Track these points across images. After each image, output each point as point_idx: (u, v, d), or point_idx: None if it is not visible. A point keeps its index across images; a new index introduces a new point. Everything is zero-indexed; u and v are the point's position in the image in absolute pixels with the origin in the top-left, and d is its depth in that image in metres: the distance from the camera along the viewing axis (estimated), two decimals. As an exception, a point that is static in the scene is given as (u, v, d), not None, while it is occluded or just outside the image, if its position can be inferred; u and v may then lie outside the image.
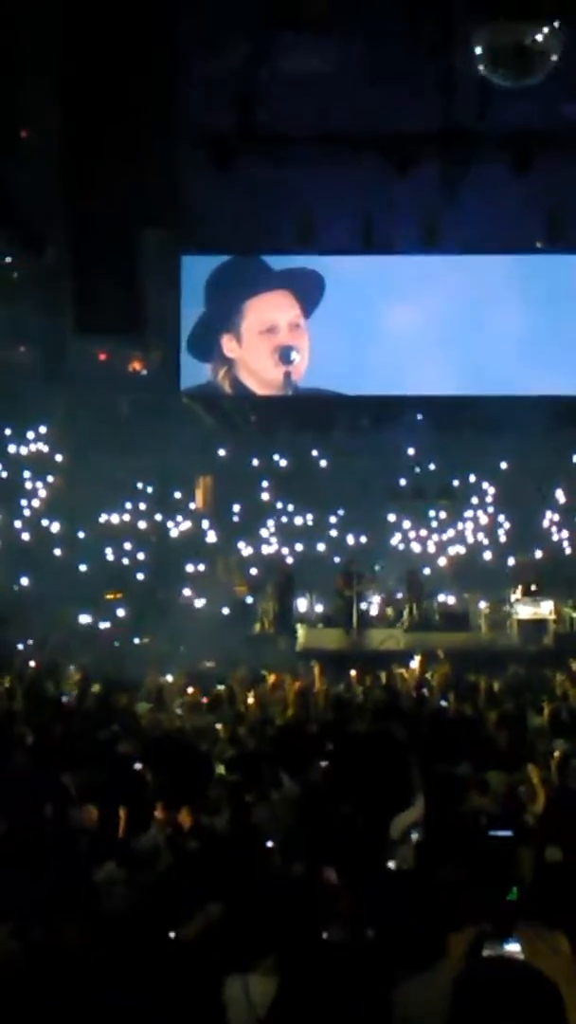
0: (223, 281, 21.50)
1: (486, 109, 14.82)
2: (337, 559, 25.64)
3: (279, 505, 27.82)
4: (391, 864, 6.00)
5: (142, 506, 27.55)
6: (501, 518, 27.70)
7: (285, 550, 27.48)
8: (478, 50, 14.45)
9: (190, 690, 15.43)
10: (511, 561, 26.10)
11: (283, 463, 27.31)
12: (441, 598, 25.29)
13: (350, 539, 27.20)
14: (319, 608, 24.28)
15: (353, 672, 17.74)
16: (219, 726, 12.51)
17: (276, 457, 27.21)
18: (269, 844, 7.07)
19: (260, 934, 4.67)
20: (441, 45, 14.49)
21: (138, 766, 9.12)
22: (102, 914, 5.08)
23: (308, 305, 21.78)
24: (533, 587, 23.28)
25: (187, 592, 25.67)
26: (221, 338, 21.78)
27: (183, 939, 5.05)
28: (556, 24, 14.31)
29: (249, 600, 25.50)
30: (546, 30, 14.25)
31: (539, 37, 14.28)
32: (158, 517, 27.62)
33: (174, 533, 27.63)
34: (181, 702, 14.71)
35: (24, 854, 6.32)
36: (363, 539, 27.26)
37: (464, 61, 14.41)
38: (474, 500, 27.73)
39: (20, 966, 4.27)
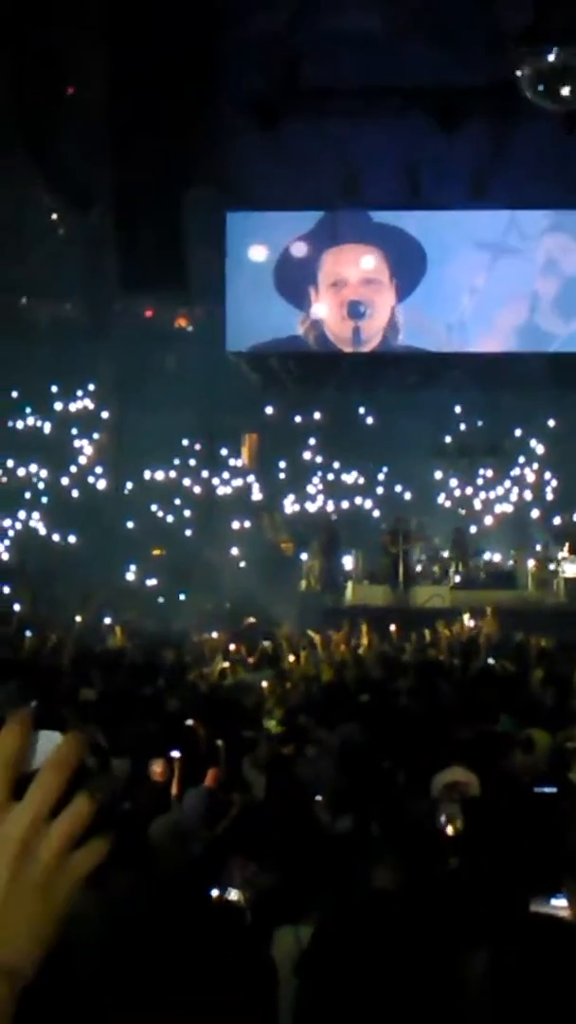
0: (315, 232, 21.40)
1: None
2: (383, 516, 25.63)
3: (324, 461, 27.82)
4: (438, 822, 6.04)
5: (189, 463, 27.63)
6: (548, 476, 27.57)
7: (331, 507, 27.50)
8: (523, 75, 14.32)
9: (233, 647, 15.51)
10: (558, 520, 26.01)
11: (329, 420, 27.26)
12: (487, 556, 25.27)
13: (396, 496, 27.18)
14: (365, 566, 24.29)
15: (393, 627, 17.78)
16: (264, 683, 12.58)
17: (321, 415, 27.17)
18: (316, 798, 7.15)
19: (310, 886, 4.74)
20: (489, 1, 14.34)
21: (189, 722, 9.20)
22: (154, 868, 5.16)
23: (398, 267, 21.54)
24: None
25: (233, 549, 25.76)
26: (308, 289, 21.70)
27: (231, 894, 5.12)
28: None
29: (295, 557, 25.56)
30: None
31: None
32: (204, 474, 27.69)
33: (220, 490, 27.70)
34: (227, 659, 14.79)
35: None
36: (409, 496, 27.24)
37: (511, 16, 14.24)
38: (521, 458, 27.61)
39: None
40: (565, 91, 14.38)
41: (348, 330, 21.61)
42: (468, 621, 17.90)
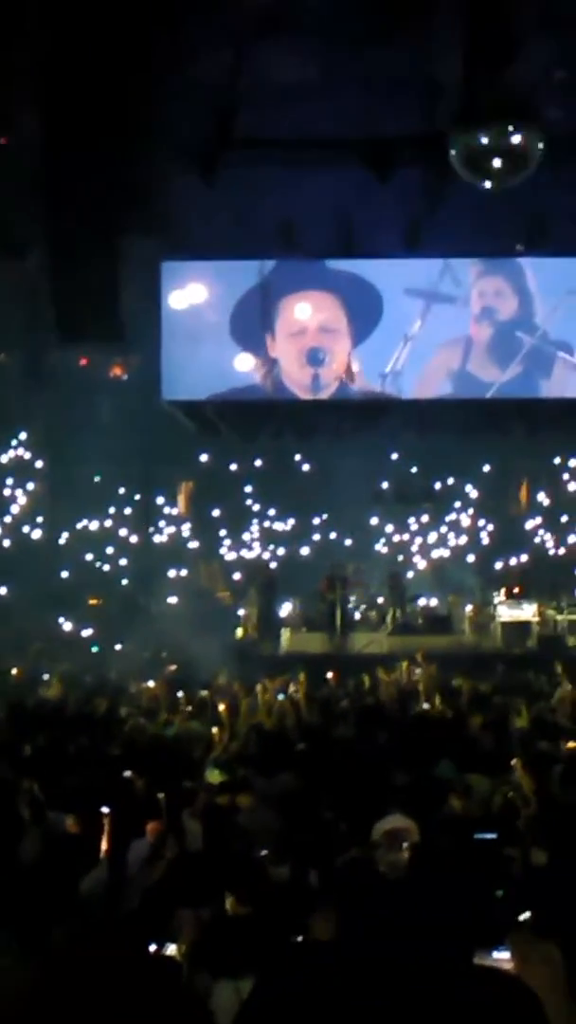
0: (272, 280, 21.41)
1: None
2: (320, 563, 25.64)
3: (260, 509, 27.84)
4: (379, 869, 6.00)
5: (125, 512, 27.54)
6: (483, 521, 27.76)
7: (267, 554, 27.49)
8: (455, 154, 14.56)
9: (168, 696, 15.39)
10: (495, 564, 26.17)
11: (265, 468, 27.30)
12: (424, 601, 25.34)
13: (333, 543, 27.23)
14: (302, 612, 24.27)
15: (331, 674, 17.75)
16: (215, 730, 12.50)
17: (257, 462, 27.20)
18: (255, 848, 7.08)
19: (250, 938, 4.67)
20: (423, 51, 14.49)
21: (127, 773, 9.10)
22: (88, 922, 5.07)
23: (355, 313, 21.58)
24: (516, 589, 23.32)
25: (170, 598, 25.66)
26: (265, 337, 21.68)
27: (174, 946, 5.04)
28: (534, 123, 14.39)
29: (232, 605, 25.51)
30: (523, 132, 14.34)
31: (517, 139, 14.37)
32: (140, 523, 27.60)
33: (156, 539, 27.61)
34: (164, 708, 14.67)
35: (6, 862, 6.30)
36: (345, 543, 27.30)
37: (446, 67, 14.42)
38: (457, 503, 27.79)
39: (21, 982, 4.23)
40: (496, 170, 14.59)
41: (307, 377, 21.64)
42: (405, 667, 17.89)
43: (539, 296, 21.46)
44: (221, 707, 13.75)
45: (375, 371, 21.63)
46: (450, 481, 27.52)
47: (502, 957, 3.52)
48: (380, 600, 24.76)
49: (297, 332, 21.70)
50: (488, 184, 14.81)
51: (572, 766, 9.60)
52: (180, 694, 15.48)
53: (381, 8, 13.53)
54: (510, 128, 14.32)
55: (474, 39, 13.68)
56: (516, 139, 14.34)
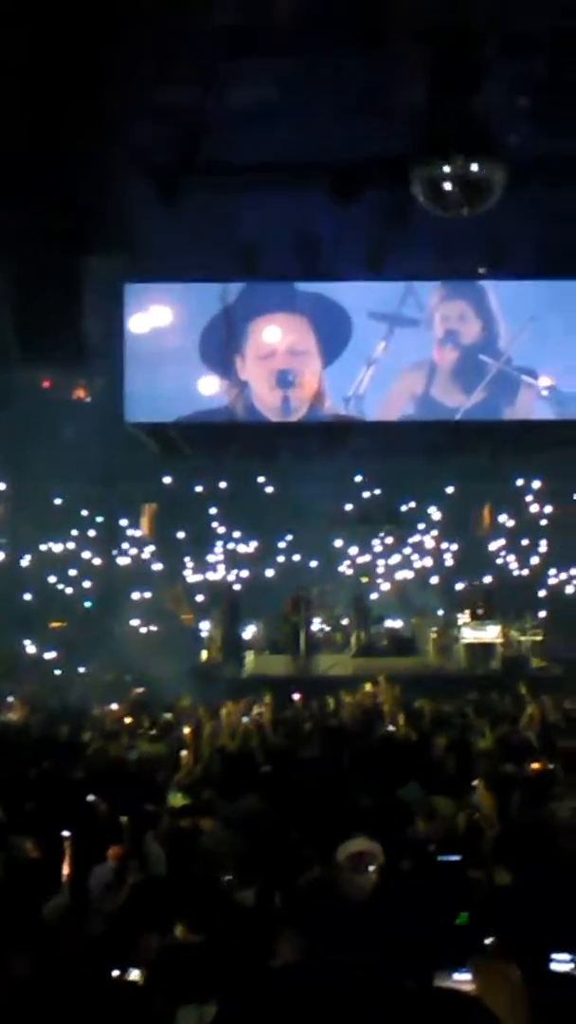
0: (240, 302, 21.39)
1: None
2: (284, 585, 25.63)
3: (224, 531, 27.82)
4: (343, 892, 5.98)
5: (88, 534, 27.45)
6: (446, 543, 27.84)
7: (231, 576, 27.47)
8: (418, 184, 14.67)
9: (128, 720, 15.34)
10: (458, 586, 26.24)
11: (229, 490, 27.29)
12: (388, 623, 25.36)
13: (297, 565, 27.23)
14: (266, 634, 24.26)
15: (297, 696, 17.74)
16: (184, 753, 12.46)
17: (221, 484, 27.19)
18: (219, 872, 7.04)
19: (212, 963, 4.64)
20: (386, 75, 14.57)
21: (90, 797, 9.05)
22: (52, 948, 5.02)
23: (325, 335, 21.58)
24: (480, 611, 23.38)
25: (133, 620, 25.58)
26: (234, 360, 21.66)
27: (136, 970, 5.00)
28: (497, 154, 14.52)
29: (196, 627, 25.46)
30: (486, 164, 14.47)
31: (479, 170, 14.50)
32: (103, 545, 27.51)
33: (120, 561, 27.53)
34: (127, 731, 14.61)
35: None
36: (311, 564, 27.31)
37: (409, 91, 14.50)
38: (420, 525, 27.85)
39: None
40: (457, 200, 14.70)
41: (277, 400, 21.59)
42: (368, 688, 17.90)
43: (503, 320, 21.54)
44: (186, 730, 13.71)
45: (339, 394, 21.65)
46: (413, 503, 27.59)
47: (463, 978, 3.52)
48: (344, 622, 24.76)
49: (266, 354, 21.69)
50: (449, 214, 14.90)
51: (533, 787, 9.62)
52: (143, 717, 15.44)
53: (345, 32, 13.58)
54: (472, 159, 14.41)
55: (437, 66, 13.77)
56: (478, 170, 14.43)
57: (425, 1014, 3.06)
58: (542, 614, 25.51)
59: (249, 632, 24.42)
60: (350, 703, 16.94)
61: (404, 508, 27.63)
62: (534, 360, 21.56)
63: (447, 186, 14.52)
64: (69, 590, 27.00)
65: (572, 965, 4.32)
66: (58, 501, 26.75)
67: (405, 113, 14.85)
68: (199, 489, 27.31)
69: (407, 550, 28.02)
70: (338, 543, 27.76)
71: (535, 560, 27.75)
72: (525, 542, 27.75)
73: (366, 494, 27.33)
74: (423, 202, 14.80)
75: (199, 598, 26.80)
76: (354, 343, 21.53)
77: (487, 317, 21.58)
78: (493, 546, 27.69)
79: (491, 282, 21.33)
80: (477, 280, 21.38)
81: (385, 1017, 3.08)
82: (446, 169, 14.43)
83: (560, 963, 4.31)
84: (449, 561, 27.78)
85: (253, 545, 27.80)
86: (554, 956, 4.32)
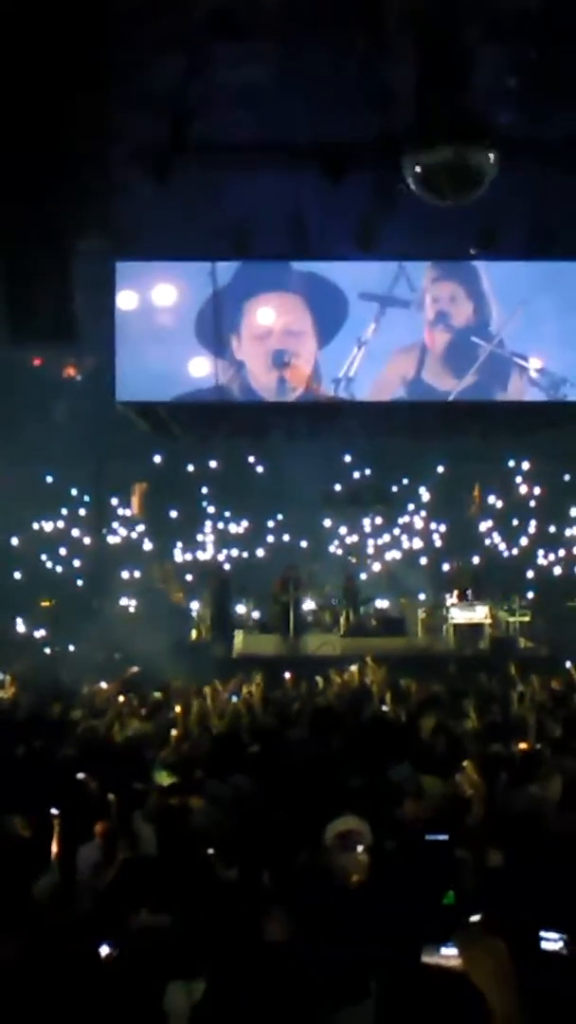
0: (235, 282, 21.37)
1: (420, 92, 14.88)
2: (273, 565, 25.66)
3: (214, 510, 27.83)
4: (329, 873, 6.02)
5: (78, 513, 27.45)
6: (435, 523, 27.88)
7: (221, 556, 27.50)
8: (409, 172, 14.66)
9: (121, 698, 15.36)
10: (446, 566, 26.28)
11: (219, 469, 27.30)
12: (378, 603, 25.42)
13: (287, 545, 27.27)
14: (256, 614, 24.30)
15: (288, 675, 17.79)
16: (173, 732, 12.49)
17: (211, 464, 27.20)
18: (207, 850, 7.08)
19: (201, 941, 4.68)
20: (376, 53, 14.56)
21: (80, 775, 9.08)
22: (40, 927, 5.06)
23: (320, 315, 21.55)
24: (468, 592, 23.45)
25: (123, 599, 25.60)
26: (230, 339, 21.64)
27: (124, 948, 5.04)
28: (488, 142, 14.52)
29: (185, 606, 25.50)
30: (477, 153, 14.47)
31: (470, 159, 14.50)
32: (93, 524, 27.52)
33: (110, 540, 27.54)
34: (117, 710, 14.64)
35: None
36: (301, 544, 27.34)
37: (399, 69, 14.49)
38: (410, 506, 27.89)
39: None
40: (448, 189, 14.71)
41: (273, 380, 21.60)
42: (356, 669, 17.93)
43: (495, 302, 21.54)
44: (177, 709, 13.75)
45: (329, 376, 21.66)
46: (403, 483, 27.62)
47: (450, 953, 3.55)
48: (334, 602, 24.81)
49: (262, 334, 21.69)
50: (439, 203, 14.92)
51: (520, 767, 9.68)
52: (133, 696, 15.46)
53: (334, 13, 13.58)
54: (462, 148, 14.41)
55: (426, 48, 13.77)
56: (468, 159, 14.43)
57: (413, 992, 3.10)
58: (530, 595, 25.60)
59: (239, 611, 24.46)
60: (337, 684, 16.98)
61: (394, 488, 27.66)
62: (526, 342, 21.58)
63: (437, 176, 14.53)
64: (59, 569, 27.01)
65: (560, 944, 4.36)
66: (48, 480, 26.74)
67: (395, 93, 14.85)
68: (190, 469, 27.32)
69: (396, 531, 28.06)
70: (328, 523, 27.80)
71: (524, 541, 27.81)
72: (515, 523, 27.80)
73: (356, 474, 27.35)
74: (414, 190, 14.81)
75: (189, 577, 26.82)
76: (346, 324, 21.54)
77: (479, 299, 21.59)
78: (482, 527, 27.74)
79: (483, 263, 21.34)
80: (468, 261, 21.37)
81: (373, 996, 3.12)
82: (436, 158, 14.43)
83: (548, 942, 4.36)
84: (438, 542, 27.82)
85: (243, 525, 27.81)
86: (543, 935, 4.36)
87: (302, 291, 21.54)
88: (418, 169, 14.54)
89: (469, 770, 8.80)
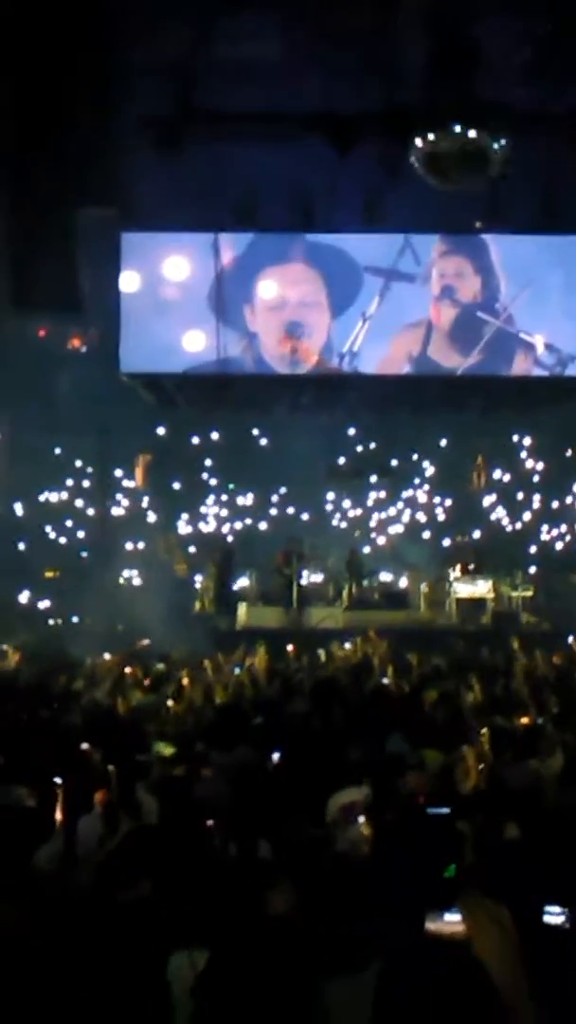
0: (247, 253, 21.31)
1: (430, 81, 14.84)
2: (277, 537, 25.67)
3: (218, 483, 27.83)
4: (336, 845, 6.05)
5: (83, 484, 27.45)
6: (439, 497, 27.88)
7: (225, 528, 27.51)
8: (417, 155, 14.62)
9: (128, 669, 15.39)
10: (449, 540, 26.30)
11: (223, 442, 27.29)
12: (381, 577, 25.43)
13: (290, 517, 27.28)
14: (259, 586, 24.33)
15: (290, 647, 17.83)
16: (170, 703, 12.54)
17: (216, 436, 27.18)
18: (208, 822, 7.11)
19: (202, 912, 4.71)
20: (384, 26, 14.49)
21: (84, 746, 9.12)
22: (41, 896, 5.09)
23: (334, 287, 21.49)
24: (471, 566, 23.47)
25: (127, 571, 25.63)
26: (244, 311, 21.58)
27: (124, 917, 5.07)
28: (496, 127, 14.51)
29: (189, 578, 25.52)
30: (485, 137, 14.44)
31: (478, 142, 14.47)
32: (98, 495, 27.51)
33: (114, 512, 27.55)
34: (120, 681, 14.67)
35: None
36: (304, 517, 27.35)
37: (409, 44, 14.44)
38: (414, 479, 27.88)
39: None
40: (457, 171, 14.69)
41: (286, 352, 21.56)
42: (359, 643, 17.96)
43: (503, 277, 21.47)
44: (184, 681, 13.80)
45: (335, 350, 21.62)
46: (407, 457, 27.60)
47: (454, 919, 3.57)
48: (337, 575, 24.83)
49: (277, 305, 21.63)
50: (447, 186, 14.90)
51: (522, 741, 9.72)
52: (128, 669, 15.48)
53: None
54: (471, 133, 14.38)
55: (436, 27, 13.72)
56: (477, 143, 14.40)
57: (417, 964, 3.12)
58: (533, 570, 25.61)
59: (242, 584, 24.49)
60: (338, 656, 17.02)
61: (397, 462, 27.64)
62: (533, 318, 21.52)
63: (445, 160, 14.50)
64: (63, 540, 27.03)
65: (563, 918, 4.39)
66: (53, 451, 26.74)
67: (404, 66, 14.80)
68: (194, 441, 27.31)
69: (400, 504, 28.06)
70: (331, 496, 27.80)
71: (527, 516, 27.81)
72: (519, 497, 27.79)
73: (360, 448, 27.32)
74: (421, 174, 14.79)
75: (192, 549, 26.84)
76: (357, 298, 21.48)
77: (486, 273, 21.52)
78: (486, 502, 27.73)
79: (490, 237, 21.27)
80: (475, 235, 21.30)
81: (378, 969, 3.14)
82: (444, 144, 14.40)
83: (551, 916, 4.39)
84: (442, 516, 27.82)
85: (247, 497, 27.81)
86: (545, 909, 4.39)
87: (317, 263, 21.46)
88: (426, 152, 14.51)
89: (483, 742, 8.84)
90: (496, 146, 14.60)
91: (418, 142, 14.61)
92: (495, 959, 3.26)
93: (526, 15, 14.35)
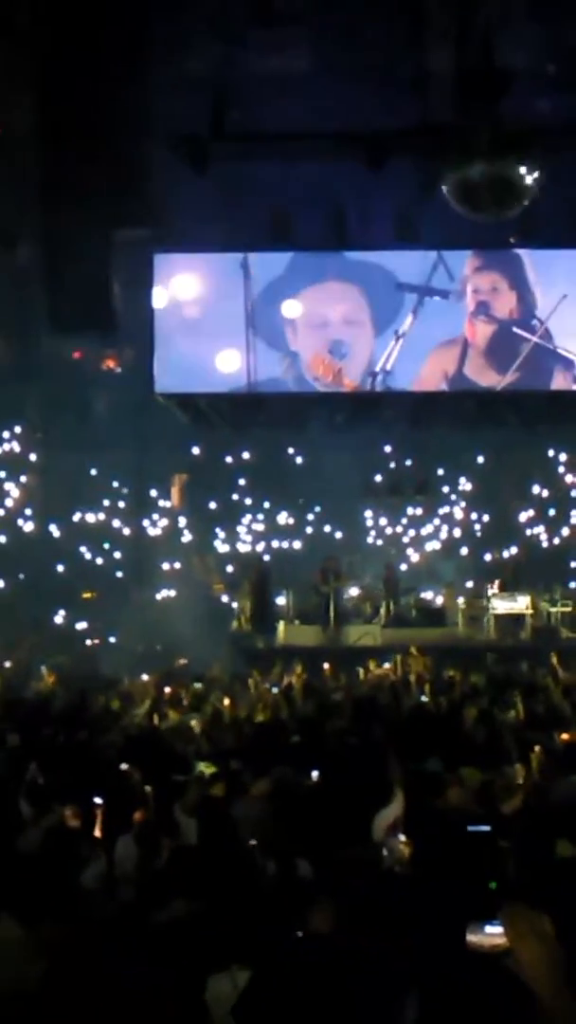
0: (285, 272, 21.32)
1: (461, 107, 14.86)
2: (313, 556, 25.61)
3: (254, 502, 27.81)
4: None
5: (119, 504, 27.50)
6: (476, 513, 27.77)
7: (261, 547, 27.48)
8: (448, 186, 14.63)
9: (167, 689, 15.40)
10: (488, 556, 26.18)
11: (258, 460, 27.27)
12: (418, 594, 25.35)
13: (327, 535, 27.22)
14: (296, 605, 24.28)
15: (327, 666, 17.77)
16: (193, 723, 12.52)
17: (251, 455, 27.18)
18: (249, 842, 7.08)
19: (240, 932, 4.68)
20: (415, 42, 14.53)
21: (123, 766, 9.11)
22: (87, 916, 5.07)
23: (376, 305, 21.47)
24: (509, 582, 23.35)
25: (164, 591, 25.65)
26: (284, 329, 21.59)
27: (164, 938, 5.04)
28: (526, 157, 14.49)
29: (226, 598, 25.51)
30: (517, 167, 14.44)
31: (511, 172, 14.47)
32: (134, 516, 27.55)
33: (150, 532, 27.57)
34: (158, 702, 14.67)
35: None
36: (340, 535, 27.29)
37: (438, 58, 14.45)
38: (452, 496, 27.79)
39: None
40: (488, 202, 14.69)
41: (331, 371, 21.55)
42: (399, 660, 17.90)
43: (538, 292, 21.36)
44: (226, 701, 13.79)
45: (370, 369, 21.58)
46: (443, 473, 27.51)
47: (495, 931, 3.52)
48: (375, 593, 24.76)
49: (319, 324, 21.60)
50: (481, 216, 14.89)
51: (564, 758, 9.64)
52: (168, 689, 15.48)
53: (373, 2, 13.56)
54: (504, 164, 14.37)
55: (466, 35, 13.74)
56: (508, 175, 14.39)
57: (459, 982, 3.08)
58: (572, 585, 25.45)
59: (279, 603, 24.45)
60: (377, 674, 16.97)
61: (434, 479, 27.54)
62: (570, 333, 21.39)
63: (479, 191, 14.49)
64: (100, 560, 27.07)
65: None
66: (89, 472, 26.80)
67: (434, 83, 14.80)
68: (229, 460, 27.32)
69: (437, 521, 27.96)
70: (368, 514, 27.73)
71: (566, 531, 27.65)
72: (554, 513, 27.64)
73: (395, 465, 27.26)
74: (455, 206, 14.77)
75: (229, 568, 26.83)
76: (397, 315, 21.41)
77: (521, 288, 21.40)
78: (523, 517, 27.60)
79: (525, 252, 21.17)
80: (510, 250, 21.22)
81: (420, 987, 3.09)
82: (477, 175, 14.39)
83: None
84: (479, 532, 27.71)
85: (283, 516, 27.78)
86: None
87: (356, 280, 21.41)
88: (457, 182, 14.51)
89: (535, 760, 8.78)
90: (529, 178, 14.56)
91: (449, 172, 14.61)
92: (536, 970, 3.21)
93: (555, 25, 14.34)
